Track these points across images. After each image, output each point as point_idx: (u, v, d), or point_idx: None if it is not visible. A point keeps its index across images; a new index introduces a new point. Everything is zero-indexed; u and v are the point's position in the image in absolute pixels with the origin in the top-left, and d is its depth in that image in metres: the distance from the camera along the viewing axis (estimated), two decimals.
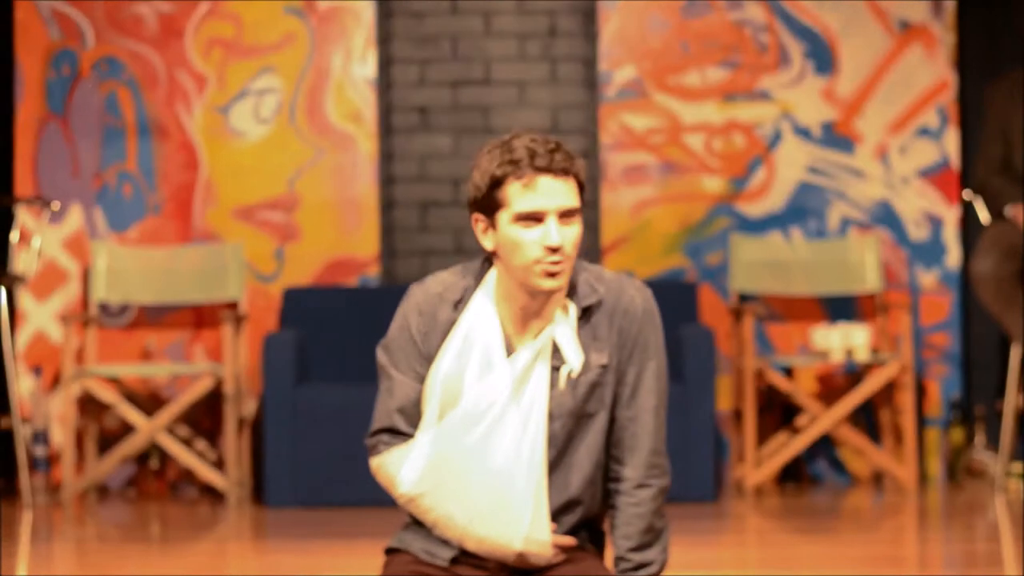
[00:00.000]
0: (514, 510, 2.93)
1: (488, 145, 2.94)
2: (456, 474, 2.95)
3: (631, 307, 2.98)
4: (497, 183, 2.89)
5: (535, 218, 2.88)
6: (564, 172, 2.88)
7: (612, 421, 3.00)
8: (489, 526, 2.94)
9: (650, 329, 3.00)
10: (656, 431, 3.00)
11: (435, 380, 2.97)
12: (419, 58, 7.09)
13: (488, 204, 2.91)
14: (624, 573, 2.97)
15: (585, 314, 2.98)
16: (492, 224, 2.93)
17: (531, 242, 2.88)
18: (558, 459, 2.97)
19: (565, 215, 2.89)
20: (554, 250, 2.87)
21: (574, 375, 2.95)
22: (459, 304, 3.00)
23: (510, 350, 2.97)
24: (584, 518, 3.02)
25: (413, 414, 3.00)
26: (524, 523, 2.93)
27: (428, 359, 2.99)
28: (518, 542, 2.94)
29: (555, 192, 2.88)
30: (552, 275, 2.89)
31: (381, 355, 3.03)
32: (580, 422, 2.98)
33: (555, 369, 2.96)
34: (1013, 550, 5.22)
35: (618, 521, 2.99)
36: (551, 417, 2.96)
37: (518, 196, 2.88)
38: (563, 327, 2.96)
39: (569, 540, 2.98)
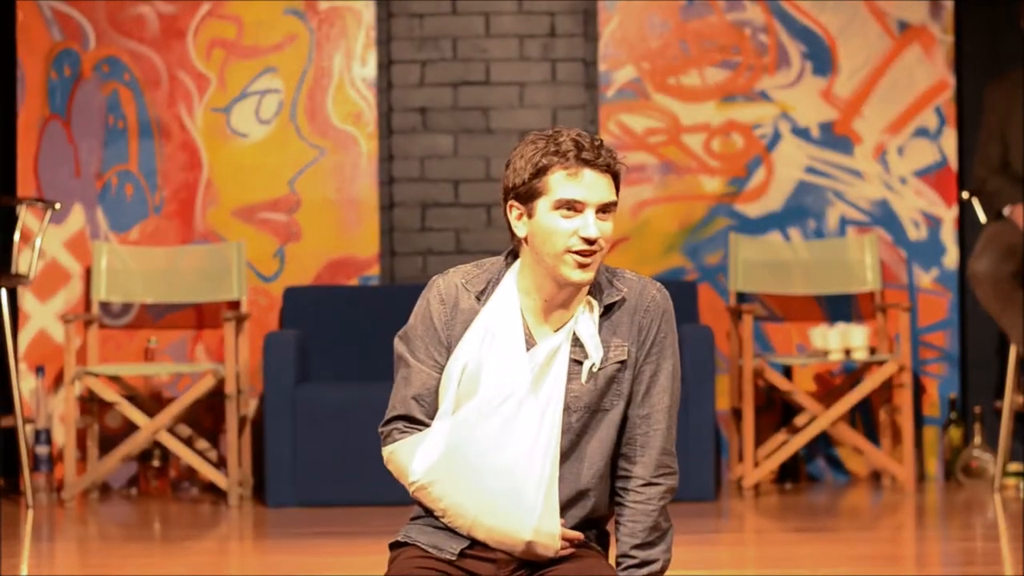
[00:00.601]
0: (525, 501, 2.95)
1: (531, 136, 2.99)
2: (470, 464, 2.97)
3: (652, 306, 3.03)
4: (542, 171, 2.94)
5: (574, 208, 2.93)
6: (607, 168, 2.95)
7: (624, 418, 3.03)
8: (499, 516, 2.97)
9: (668, 329, 3.04)
10: (668, 431, 3.03)
11: (454, 370, 3.00)
12: (419, 59, 7.12)
13: (528, 192, 2.95)
14: (627, 570, 3.00)
15: (607, 311, 3.02)
16: (529, 212, 2.97)
17: (568, 231, 2.93)
18: (570, 451, 3.00)
19: (603, 209, 2.94)
20: (590, 241, 2.92)
21: (595, 369, 2.98)
22: (482, 295, 3.03)
23: (531, 343, 3.00)
24: (591, 514, 3.04)
25: (430, 403, 3.03)
26: (534, 514, 2.96)
27: (448, 348, 3.02)
28: (527, 533, 2.96)
29: (597, 186, 2.93)
30: (583, 266, 2.93)
31: (399, 344, 3.06)
32: (595, 416, 3.01)
33: (576, 363, 2.99)
34: (1011, 549, 5.24)
35: (624, 518, 3.02)
36: (567, 410, 2.98)
37: (561, 185, 2.93)
38: (585, 322, 2.99)
39: (577, 535, 3.01)
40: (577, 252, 2.93)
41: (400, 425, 3.05)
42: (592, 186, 2.93)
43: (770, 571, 4.93)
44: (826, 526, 6.01)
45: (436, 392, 3.03)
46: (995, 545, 5.45)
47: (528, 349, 2.99)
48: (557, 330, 3.00)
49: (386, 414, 3.08)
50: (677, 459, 3.06)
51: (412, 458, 3.01)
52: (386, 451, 3.07)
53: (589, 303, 3.01)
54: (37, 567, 5.19)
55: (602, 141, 2.97)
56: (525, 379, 2.97)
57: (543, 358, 2.98)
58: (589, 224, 2.92)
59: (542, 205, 2.94)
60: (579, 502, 3.02)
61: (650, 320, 3.02)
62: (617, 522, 3.04)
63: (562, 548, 2.99)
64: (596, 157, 2.93)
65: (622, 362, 3.01)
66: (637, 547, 3.00)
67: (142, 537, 5.92)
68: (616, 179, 2.97)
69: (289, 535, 5.78)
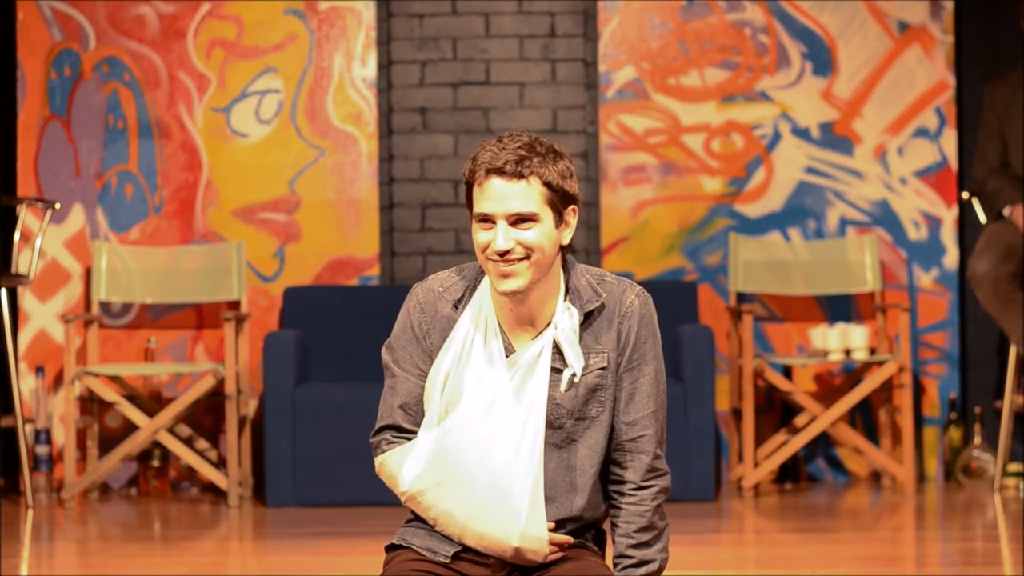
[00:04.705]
0: (511, 508, 2.95)
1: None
2: (457, 472, 2.97)
3: (630, 311, 3.01)
4: (468, 187, 2.95)
5: (488, 220, 2.91)
6: (518, 176, 2.89)
7: (613, 425, 3.03)
8: (487, 523, 2.97)
9: (648, 335, 3.02)
10: (655, 435, 3.02)
11: (437, 380, 3.00)
12: (419, 59, 7.12)
13: (468, 205, 2.97)
14: (625, 571, 3.00)
15: (587, 318, 3.01)
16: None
17: (484, 244, 2.92)
18: (559, 460, 2.99)
19: (518, 220, 2.91)
20: (500, 254, 2.90)
21: (576, 379, 2.97)
22: (459, 303, 3.03)
23: (510, 350, 2.99)
24: (586, 518, 3.04)
25: (416, 411, 3.03)
26: (521, 520, 2.95)
27: (430, 356, 3.02)
28: (515, 539, 2.96)
29: (505, 196, 2.89)
30: (504, 276, 2.91)
31: (385, 354, 3.06)
32: (580, 423, 3.00)
33: (556, 371, 2.98)
34: (1011, 549, 5.24)
35: (619, 520, 3.02)
36: (552, 419, 2.98)
37: (477, 199, 2.93)
38: (565, 329, 2.98)
39: (565, 539, 3.00)
40: (494, 263, 2.91)
41: (389, 435, 3.06)
42: (499, 198, 2.89)
43: (770, 571, 4.93)
44: (826, 526, 6.01)
45: (421, 400, 3.03)
46: (995, 545, 5.45)
47: (508, 356, 2.98)
48: (535, 337, 3.00)
49: (376, 424, 3.08)
50: (666, 460, 3.05)
51: (401, 468, 3.02)
52: (377, 462, 3.08)
53: (569, 309, 2.99)
54: (37, 567, 5.19)
55: (532, 145, 2.91)
56: (506, 386, 2.96)
57: (523, 365, 2.97)
58: (498, 236, 2.89)
59: (474, 219, 2.94)
60: (573, 509, 3.01)
61: (628, 327, 3.00)
62: (613, 524, 3.04)
63: (551, 553, 2.99)
64: (502, 166, 2.88)
65: (603, 368, 3.00)
66: (633, 547, 3.00)
67: (142, 537, 5.92)
68: (545, 182, 2.90)
69: (289, 535, 5.79)
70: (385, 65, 7.12)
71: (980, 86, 6.95)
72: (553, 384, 2.98)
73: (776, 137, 7.15)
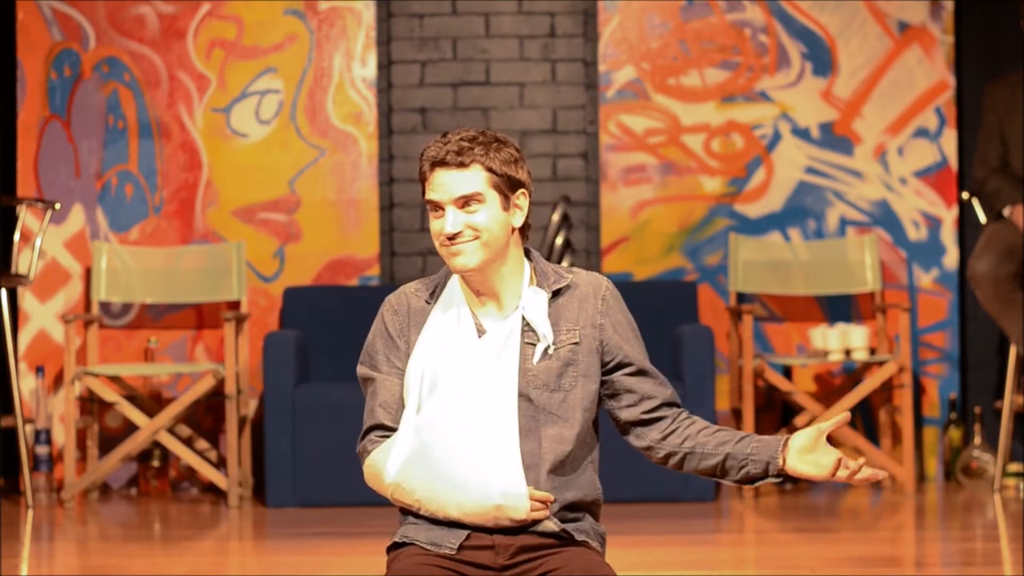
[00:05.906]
0: (488, 468, 2.98)
1: None
2: (438, 454, 3.01)
3: (608, 294, 3.10)
4: (421, 181, 3.07)
5: (438, 208, 3.03)
6: (460, 165, 3.01)
7: (588, 404, 3.06)
8: (467, 488, 2.99)
9: (619, 311, 3.10)
10: (664, 385, 3.12)
11: (414, 370, 3.04)
12: (419, 59, 7.12)
13: (424, 201, 3.10)
14: (748, 439, 3.05)
15: (555, 297, 3.08)
16: None
17: (438, 232, 3.03)
18: (533, 430, 3.01)
19: (464, 203, 3.01)
20: (450, 238, 3.01)
21: (551, 352, 3.03)
22: (432, 296, 3.12)
23: (481, 331, 3.06)
24: (569, 493, 3.04)
25: (397, 409, 3.06)
26: (498, 478, 2.98)
27: (407, 355, 3.08)
28: (495, 497, 2.98)
29: (449, 184, 3.01)
30: (455, 254, 3.02)
31: (360, 368, 3.13)
32: (554, 396, 3.03)
33: (529, 345, 3.04)
34: (1011, 549, 5.24)
35: (699, 441, 3.07)
36: (526, 390, 3.02)
37: (427, 192, 3.05)
38: (534, 308, 3.05)
39: (546, 496, 3.01)
40: (446, 247, 3.02)
41: (372, 436, 3.09)
42: (444, 185, 3.02)
43: (770, 571, 4.93)
44: (826, 526, 6.01)
45: (403, 397, 3.07)
46: (995, 545, 5.45)
47: (480, 336, 3.04)
48: (506, 318, 3.06)
49: (360, 432, 3.10)
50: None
51: (386, 463, 3.04)
52: (364, 467, 3.09)
53: (536, 292, 3.07)
54: (37, 567, 5.20)
55: (475, 137, 3.03)
56: (480, 364, 3.01)
57: (496, 344, 3.04)
58: (447, 222, 3.01)
59: (428, 210, 3.07)
60: (546, 476, 3.01)
61: (608, 305, 3.09)
62: (689, 443, 3.08)
63: (533, 509, 2.99)
64: (444, 157, 3.01)
65: (576, 344, 3.05)
66: (741, 441, 3.06)
67: (142, 537, 5.92)
68: (490, 169, 3.01)
69: (289, 535, 5.79)
70: (385, 65, 7.13)
71: (980, 86, 6.95)
72: (526, 358, 3.03)
73: (776, 137, 7.15)
